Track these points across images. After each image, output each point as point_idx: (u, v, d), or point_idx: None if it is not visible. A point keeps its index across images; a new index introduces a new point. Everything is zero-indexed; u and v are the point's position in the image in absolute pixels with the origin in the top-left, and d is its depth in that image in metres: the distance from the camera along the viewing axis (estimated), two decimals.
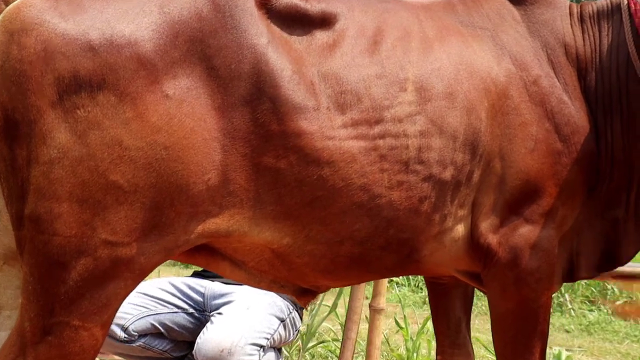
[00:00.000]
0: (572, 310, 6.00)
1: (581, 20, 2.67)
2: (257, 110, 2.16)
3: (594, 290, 6.10)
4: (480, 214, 2.47)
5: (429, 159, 2.34)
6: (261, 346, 3.30)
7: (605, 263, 2.70)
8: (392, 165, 2.31)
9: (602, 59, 2.62)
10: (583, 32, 2.65)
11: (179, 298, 3.60)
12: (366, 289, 4.70)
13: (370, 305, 4.60)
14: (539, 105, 2.50)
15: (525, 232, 2.48)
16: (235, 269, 2.41)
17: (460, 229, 2.47)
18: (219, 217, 2.17)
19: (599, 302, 6.06)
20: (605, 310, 5.98)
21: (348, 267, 2.39)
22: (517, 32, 2.58)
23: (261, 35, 2.20)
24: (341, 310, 5.18)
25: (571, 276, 2.70)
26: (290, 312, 3.48)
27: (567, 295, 6.09)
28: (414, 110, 2.34)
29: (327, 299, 5.16)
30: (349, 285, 2.76)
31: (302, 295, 2.51)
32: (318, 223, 2.27)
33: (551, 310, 5.94)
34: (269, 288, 2.47)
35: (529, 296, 2.51)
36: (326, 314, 5.19)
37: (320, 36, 2.33)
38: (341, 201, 2.27)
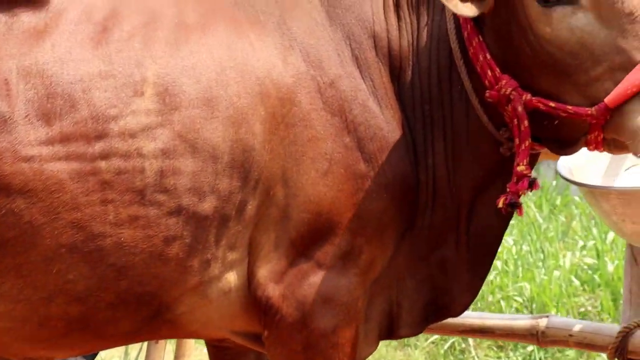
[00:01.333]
0: (476, 358, 5.49)
1: (397, 4, 2.17)
2: None
3: None
4: (258, 258, 1.99)
5: (177, 186, 1.88)
6: None
7: (433, 314, 2.22)
8: (121, 195, 1.85)
9: (421, 56, 2.14)
10: (399, 20, 2.16)
11: None
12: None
13: None
14: (337, 115, 2.02)
15: (317, 280, 2.00)
16: None
17: (231, 278, 1.99)
18: None
19: (509, 347, 5.54)
20: (515, 358, 5.46)
21: (67, 333, 1.90)
22: (313, 19, 2.09)
23: None
24: None
25: (390, 333, 2.20)
26: None
27: (470, 340, 5.56)
28: (154, 121, 1.88)
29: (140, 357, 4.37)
30: (81, 354, 2.18)
31: None
32: (12, 274, 1.83)
33: (451, 359, 5.46)
34: None
35: None
36: None
37: (27, 19, 1.88)
38: (44, 244, 1.82)
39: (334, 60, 2.05)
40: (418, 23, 2.14)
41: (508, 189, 2.04)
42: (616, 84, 1.93)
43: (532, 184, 2.03)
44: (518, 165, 2.02)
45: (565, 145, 2.08)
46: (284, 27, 2.05)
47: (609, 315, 5.24)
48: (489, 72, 2.03)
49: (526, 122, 1.99)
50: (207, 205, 1.89)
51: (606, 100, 1.93)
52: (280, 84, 1.97)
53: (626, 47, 1.94)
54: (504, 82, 2.01)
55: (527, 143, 2.01)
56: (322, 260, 1.99)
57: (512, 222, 7.34)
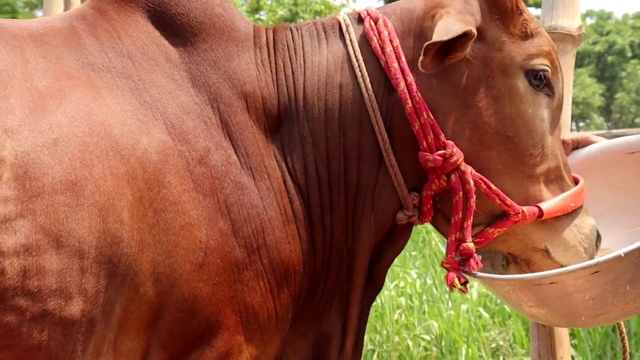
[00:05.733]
0: None
1: (275, 53, 2.02)
2: None
3: None
4: None
5: (41, 287, 1.63)
6: None
7: None
8: None
9: (310, 108, 1.99)
10: (277, 71, 2.00)
11: None
12: None
13: None
14: (209, 195, 1.82)
15: None
16: None
17: None
18: None
19: None
20: None
21: None
22: (174, 80, 1.88)
23: None
24: None
25: None
26: None
27: None
28: (14, 211, 1.61)
29: None
30: None
31: None
32: None
33: None
34: None
35: None
36: None
37: None
38: None
39: (200, 130, 1.85)
40: (305, 70, 2.00)
41: (449, 266, 1.98)
42: (546, 188, 2.03)
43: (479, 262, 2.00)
44: (465, 241, 1.96)
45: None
46: (144, 94, 1.83)
47: (523, 346, 5.17)
48: (431, 135, 1.94)
49: (474, 198, 1.95)
50: (75, 309, 1.66)
51: (544, 207, 1.99)
52: (146, 162, 1.75)
53: (559, 158, 2.06)
54: (454, 149, 1.93)
55: (471, 220, 1.96)
56: None
57: (414, 253, 7.23)
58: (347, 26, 2.06)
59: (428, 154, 1.94)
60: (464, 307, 5.68)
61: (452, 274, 1.97)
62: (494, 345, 5.23)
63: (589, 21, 52.71)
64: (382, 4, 33.66)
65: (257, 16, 21.92)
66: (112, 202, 1.68)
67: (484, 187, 1.95)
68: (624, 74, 45.30)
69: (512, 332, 5.31)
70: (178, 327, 1.78)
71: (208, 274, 1.78)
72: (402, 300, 5.91)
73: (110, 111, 1.76)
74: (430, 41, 1.86)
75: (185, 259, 1.76)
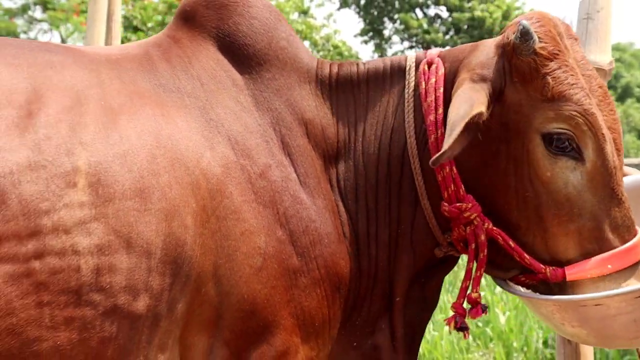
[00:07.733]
0: None
1: (337, 86, 2.21)
2: None
3: None
4: None
5: (113, 284, 1.79)
6: None
7: None
8: (57, 297, 1.74)
9: (367, 144, 2.18)
10: (338, 104, 2.20)
11: None
12: None
13: None
14: (269, 207, 2.01)
15: None
16: None
17: None
18: None
19: None
20: None
21: None
22: (239, 103, 2.09)
23: None
24: None
25: None
26: None
27: None
28: (89, 215, 1.77)
29: None
30: None
31: None
32: None
33: None
34: None
35: None
36: None
37: None
38: None
39: (262, 148, 2.04)
40: (367, 107, 2.17)
41: (454, 310, 2.12)
42: (579, 247, 2.03)
43: (485, 310, 2.11)
44: (473, 292, 2.09)
45: (496, 267, 2.15)
46: (211, 112, 2.03)
47: None
48: (452, 187, 2.06)
49: (485, 251, 2.06)
50: (141, 304, 1.82)
51: (567, 271, 2.03)
52: (209, 174, 1.94)
53: (600, 219, 2.03)
54: (469, 205, 2.05)
55: (482, 271, 2.08)
56: None
57: None
58: (409, 68, 2.20)
59: (446, 204, 2.08)
60: (446, 328, 5.80)
61: (454, 319, 2.12)
62: None
63: None
64: (361, 25, 33.55)
65: None
66: (177, 208, 1.87)
67: (502, 241, 2.06)
68: None
69: (494, 355, 5.49)
70: (239, 325, 1.94)
71: (266, 278, 1.95)
72: None
73: (177, 127, 1.95)
74: (435, 156, 1.91)
75: (244, 262, 1.93)
